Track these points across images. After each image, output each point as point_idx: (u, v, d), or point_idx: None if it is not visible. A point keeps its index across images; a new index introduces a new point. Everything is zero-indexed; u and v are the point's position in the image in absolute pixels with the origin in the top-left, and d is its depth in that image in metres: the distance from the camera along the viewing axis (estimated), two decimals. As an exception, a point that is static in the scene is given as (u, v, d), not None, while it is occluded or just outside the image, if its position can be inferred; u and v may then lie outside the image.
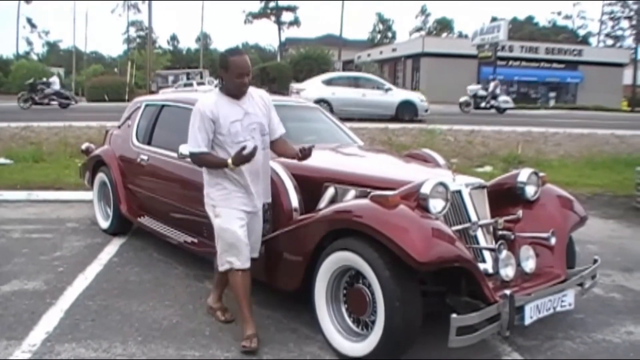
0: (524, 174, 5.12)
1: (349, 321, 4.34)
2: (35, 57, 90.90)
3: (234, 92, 4.41)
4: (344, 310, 4.36)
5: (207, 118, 4.30)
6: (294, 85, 25.39)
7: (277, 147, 4.70)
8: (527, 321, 4.13)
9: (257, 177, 4.50)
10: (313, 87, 23.25)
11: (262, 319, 4.89)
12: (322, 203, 4.92)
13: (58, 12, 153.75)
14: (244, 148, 4.21)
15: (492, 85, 32.06)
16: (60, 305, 5.23)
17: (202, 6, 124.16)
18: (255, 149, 4.24)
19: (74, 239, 7.34)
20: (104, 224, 7.62)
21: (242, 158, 4.21)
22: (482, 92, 31.98)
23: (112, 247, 7.02)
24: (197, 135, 4.33)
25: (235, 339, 4.57)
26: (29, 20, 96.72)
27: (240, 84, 4.34)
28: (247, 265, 4.46)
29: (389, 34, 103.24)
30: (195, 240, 5.94)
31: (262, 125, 4.49)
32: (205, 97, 4.50)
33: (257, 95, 4.57)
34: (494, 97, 31.30)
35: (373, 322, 4.05)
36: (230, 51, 4.45)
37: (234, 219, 4.40)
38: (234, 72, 4.31)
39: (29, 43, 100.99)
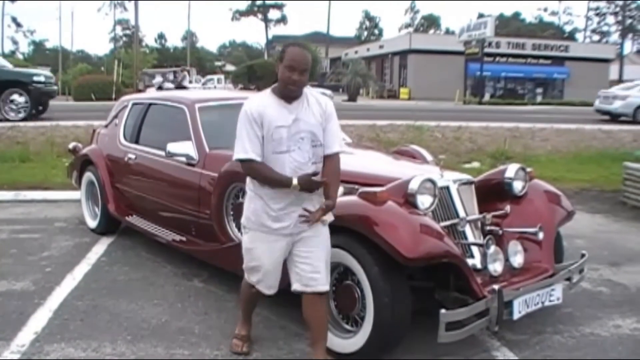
0: (511, 170, 5.13)
1: (338, 318, 4.34)
2: (20, 57, 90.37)
3: (283, 91, 3.74)
4: (333, 306, 4.36)
5: (254, 120, 3.69)
6: None
7: (325, 166, 3.84)
8: (516, 316, 4.15)
9: (297, 195, 3.73)
10: None
11: (252, 317, 4.89)
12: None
13: (43, 11, 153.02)
14: (315, 174, 3.71)
15: None
16: (48, 305, 5.20)
17: (189, 4, 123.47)
18: (320, 185, 3.70)
19: (62, 239, 7.31)
20: (92, 223, 7.59)
21: (313, 184, 3.67)
22: None
23: (101, 246, 6.99)
24: (243, 140, 3.71)
25: (224, 337, 4.57)
26: (14, 19, 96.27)
27: (289, 79, 3.65)
28: (270, 292, 4.03)
29: (376, 31, 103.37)
30: (184, 239, 5.93)
31: (313, 134, 3.76)
32: (254, 96, 3.94)
33: (314, 100, 3.85)
34: None
35: (362, 319, 4.06)
36: (291, 42, 3.92)
37: (260, 241, 3.85)
38: (285, 63, 3.66)
39: (15, 42, 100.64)
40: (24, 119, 17.47)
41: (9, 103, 17.89)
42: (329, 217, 3.80)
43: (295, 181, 3.63)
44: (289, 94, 3.75)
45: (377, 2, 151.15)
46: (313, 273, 3.80)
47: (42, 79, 18.82)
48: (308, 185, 3.66)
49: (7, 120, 17.26)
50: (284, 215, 3.76)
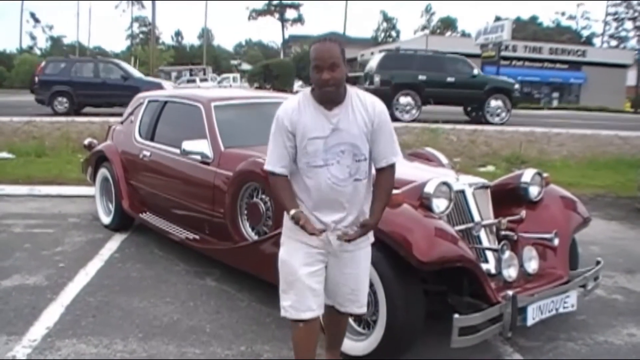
0: (527, 175, 5.10)
1: (350, 320, 4.32)
2: (38, 52, 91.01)
3: (321, 95, 3.25)
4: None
5: (285, 129, 3.28)
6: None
7: (376, 180, 3.42)
8: (530, 322, 4.12)
9: (337, 214, 3.36)
10: None
11: (262, 317, 4.88)
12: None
13: (62, 7, 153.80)
14: (319, 231, 3.24)
15: None
16: (61, 300, 5.22)
17: (206, 3, 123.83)
18: (319, 234, 3.25)
19: (75, 234, 7.33)
20: (106, 219, 7.61)
21: (302, 228, 3.23)
22: None
23: (114, 243, 7.00)
24: (271, 150, 3.35)
25: (236, 336, 4.57)
26: (33, 15, 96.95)
27: (319, 80, 3.17)
28: (306, 316, 3.41)
29: (393, 33, 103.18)
30: (197, 237, 5.93)
31: (356, 147, 3.27)
32: (290, 99, 3.41)
33: (359, 104, 3.30)
34: None
35: (375, 321, 4.05)
36: (315, 40, 3.35)
37: (298, 253, 3.41)
38: (312, 65, 3.21)
39: (33, 38, 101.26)
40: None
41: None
42: (369, 238, 3.50)
43: (292, 212, 3.25)
44: (327, 98, 3.24)
45: (394, 3, 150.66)
46: (350, 295, 3.52)
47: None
48: (299, 223, 3.23)
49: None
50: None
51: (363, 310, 3.62)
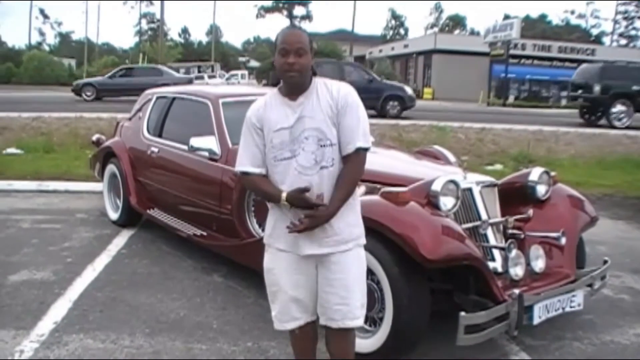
0: (535, 173, 5.09)
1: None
2: (47, 48, 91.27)
3: (285, 84, 3.18)
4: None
5: (253, 126, 3.21)
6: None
7: (342, 169, 3.18)
8: (536, 321, 4.11)
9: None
10: None
11: (268, 313, 4.85)
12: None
13: (70, 3, 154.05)
14: (306, 190, 3.05)
15: None
16: (68, 295, 5.24)
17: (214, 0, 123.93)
18: (320, 198, 3.08)
19: (83, 230, 7.35)
20: (114, 215, 7.63)
21: (301, 201, 3.05)
22: None
23: (121, 238, 7.03)
24: (242, 151, 3.27)
25: (242, 332, 4.58)
26: (42, 11, 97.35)
27: (284, 65, 3.06)
28: (290, 326, 3.37)
29: (402, 31, 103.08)
30: (204, 234, 5.94)
31: (320, 131, 3.10)
32: (259, 99, 3.33)
33: (324, 90, 3.18)
34: None
35: (381, 319, 4.05)
36: (282, 28, 3.23)
37: (280, 262, 3.27)
38: (277, 49, 3.10)
39: (41, 34, 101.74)
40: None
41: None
42: (357, 239, 3.27)
43: (283, 195, 3.08)
44: (291, 84, 3.14)
45: (403, 1, 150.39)
46: (339, 305, 3.21)
47: None
48: (297, 202, 3.06)
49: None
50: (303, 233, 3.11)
51: (357, 323, 3.28)
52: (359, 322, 3.29)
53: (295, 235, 3.12)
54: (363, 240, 3.31)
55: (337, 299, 3.21)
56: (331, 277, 3.20)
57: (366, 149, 3.18)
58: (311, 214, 3.06)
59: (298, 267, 3.23)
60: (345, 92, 3.17)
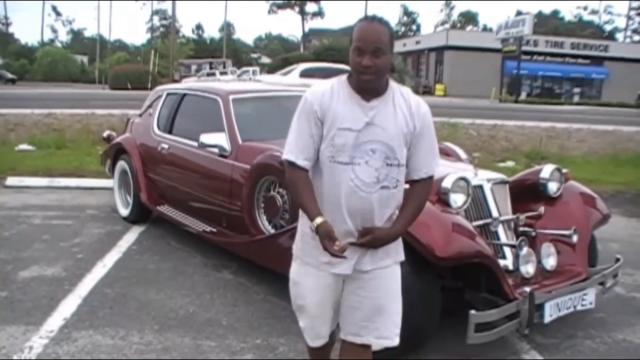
0: (546, 170, 5.06)
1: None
2: (59, 45, 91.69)
3: (355, 82, 2.79)
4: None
5: (314, 114, 2.80)
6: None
7: (410, 191, 2.93)
8: (547, 319, 4.10)
9: (354, 224, 2.83)
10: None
11: (278, 310, 4.88)
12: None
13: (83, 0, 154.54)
14: (343, 249, 2.66)
15: None
16: (78, 292, 5.25)
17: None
18: (342, 249, 2.67)
19: (93, 226, 7.37)
20: (124, 211, 7.64)
21: (325, 241, 2.68)
22: None
23: (132, 235, 7.03)
24: (292, 136, 2.87)
25: (252, 329, 4.57)
26: (54, 8, 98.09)
27: (358, 66, 2.69)
28: (315, 344, 3.18)
29: (414, 27, 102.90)
30: (214, 230, 5.94)
31: (390, 148, 2.77)
32: (322, 82, 2.92)
33: (402, 102, 2.83)
34: None
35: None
36: (362, 17, 2.85)
37: (308, 278, 3.00)
38: (352, 45, 2.73)
39: (54, 31, 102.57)
40: None
41: None
42: (396, 255, 3.00)
43: (318, 220, 2.71)
44: (365, 87, 2.77)
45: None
46: (366, 321, 2.94)
47: None
48: (322, 239, 2.70)
49: None
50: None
51: (385, 342, 2.98)
52: (388, 342, 2.99)
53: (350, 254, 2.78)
54: (402, 257, 3.04)
55: (361, 316, 2.94)
56: (361, 293, 2.93)
57: (431, 176, 2.94)
58: (371, 229, 2.79)
59: (326, 284, 2.96)
60: (424, 111, 2.87)
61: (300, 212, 2.93)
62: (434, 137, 2.91)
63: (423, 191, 2.92)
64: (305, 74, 22.38)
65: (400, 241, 3.00)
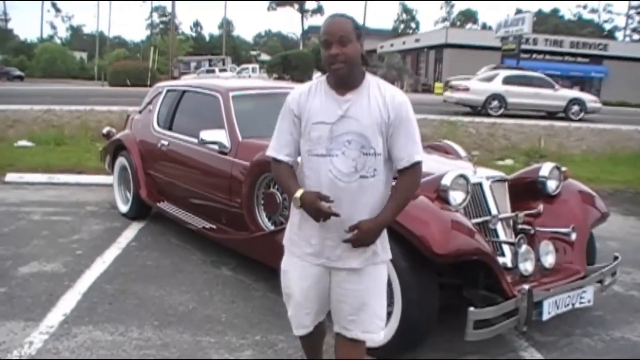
0: (545, 168, 5.07)
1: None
2: (58, 42, 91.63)
3: (333, 77, 2.93)
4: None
5: (291, 112, 3.00)
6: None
7: (397, 181, 3.01)
8: (545, 317, 4.11)
9: (347, 222, 2.88)
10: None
11: (277, 307, 4.87)
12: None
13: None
14: (327, 199, 2.82)
15: None
16: (78, 288, 5.25)
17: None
18: (328, 216, 2.83)
19: (93, 223, 7.37)
20: (124, 208, 7.65)
21: (314, 205, 2.82)
22: None
23: (131, 231, 7.04)
24: (276, 136, 3.09)
25: (251, 325, 4.58)
26: (54, 5, 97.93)
27: (327, 57, 2.84)
28: (299, 333, 3.30)
29: (413, 25, 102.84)
30: (214, 227, 5.95)
31: (364, 138, 2.86)
32: (303, 84, 3.13)
33: (377, 93, 2.92)
34: None
35: (390, 313, 4.02)
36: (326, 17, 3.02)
37: (295, 267, 3.12)
38: (321, 40, 2.89)
39: (53, 27, 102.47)
40: None
41: None
42: (382, 254, 3.06)
43: (298, 193, 2.87)
44: (339, 79, 2.89)
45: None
46: (353, 315, 3.04)
47: None
48: (310, 206, 2.83)
49: None
50: (317, 238, 3.00)
51: (370, 337, 3.10)
52: (372, 336, 3.10)
53: (321, 244, 2.98)
54: (389, 256, 3.12)
55: (348, 309, 3.04)
56: (345, 286, 3.03)
57: (418, 163, 2.95)
58: (358, 224, 2.83)
59: (311, 275, 3.06)
60: (400, 101, 2.92)
61: (292, 208, 3.05)
62: (413, 127, 2.96)
63: (408, 180, 2.95)
64: (508, 81, 22.97)
65: (386, 239, 3.08)
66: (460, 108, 22.50)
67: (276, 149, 3.06)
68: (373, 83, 2.95)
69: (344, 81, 2.90)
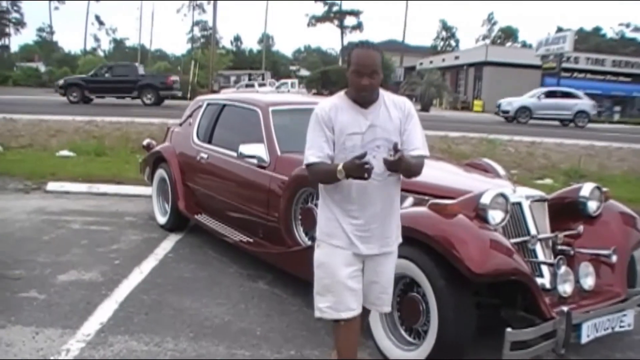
0: (586, 189, 5.00)
1: (401, 329, 4.30)
2: (101, 54, 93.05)
3: (356, 97, 3.39)
4: (396, 317, 4.31)
5: (325, 122, 3.37)
6: None
7: None
8: (584, 340, 4.03)
9: (374, 210, 3.43)
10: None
11: (312, 322, 4.86)
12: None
13: (125, 10, 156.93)
14: (362, 157, 3.15)
15: None
16: (115, 297, 5.31)
17: (267, 7, 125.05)
18: (370, 170, 3.14)
19: (131, 233, 7.45)
20: (162, 219, 7.71)
21: (357, 168, 3.14)
22: None
23: (169, 242, 7.09)
24: (313, 143, 3.40)
25: (285, 340, 4.58)
26: (97, 18, 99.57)
27: (358, 85, 3.32)
28: (346, 315, 3.47)
29: (452, 42, 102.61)
30: (251, 240, 5.97)
31: (390, 141, 3.30)
32: (325, 99, 3.57)
33: (391, 103, 3.46)
34: None
35: (425, 332, 4.01)
36: (356, 43, 3.52)
37: (336, 256, 3.45)
38: (351, 68, 3.33)
39: (97, 40, 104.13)
40: None
41: None
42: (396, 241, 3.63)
43: (340, 166, 3.21)
44: (363, 100, 3.38)
45: (455, 11, 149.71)
46: (382, 293, 3.59)
47: None
48: (353, 170, 3.17)
49: None
50: (365, 234, 3.44)
51: (388, 309, 3.73)
52: (390, 309, 3.77)
53: (356, 235, 3.43)
54: (400, 240, 3.64)
55: (380, 288, 3.58)
56: (379, 269, 3.54)
57: (425, 157, 3.50)
58: (401, 156, 3.16)
59: (353, 261, 3.46)
60: (408, 106, 3.54)
61: (320, 202, 3.56)
62: (420, 127, 3.54)
63: (420, 160, 3.45)
64: None
65: (400, 228, 3.62)
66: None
67: (316, 154, 3.39)
68: (385, 95, 3.50)
69: (368, 100, 3.41)
